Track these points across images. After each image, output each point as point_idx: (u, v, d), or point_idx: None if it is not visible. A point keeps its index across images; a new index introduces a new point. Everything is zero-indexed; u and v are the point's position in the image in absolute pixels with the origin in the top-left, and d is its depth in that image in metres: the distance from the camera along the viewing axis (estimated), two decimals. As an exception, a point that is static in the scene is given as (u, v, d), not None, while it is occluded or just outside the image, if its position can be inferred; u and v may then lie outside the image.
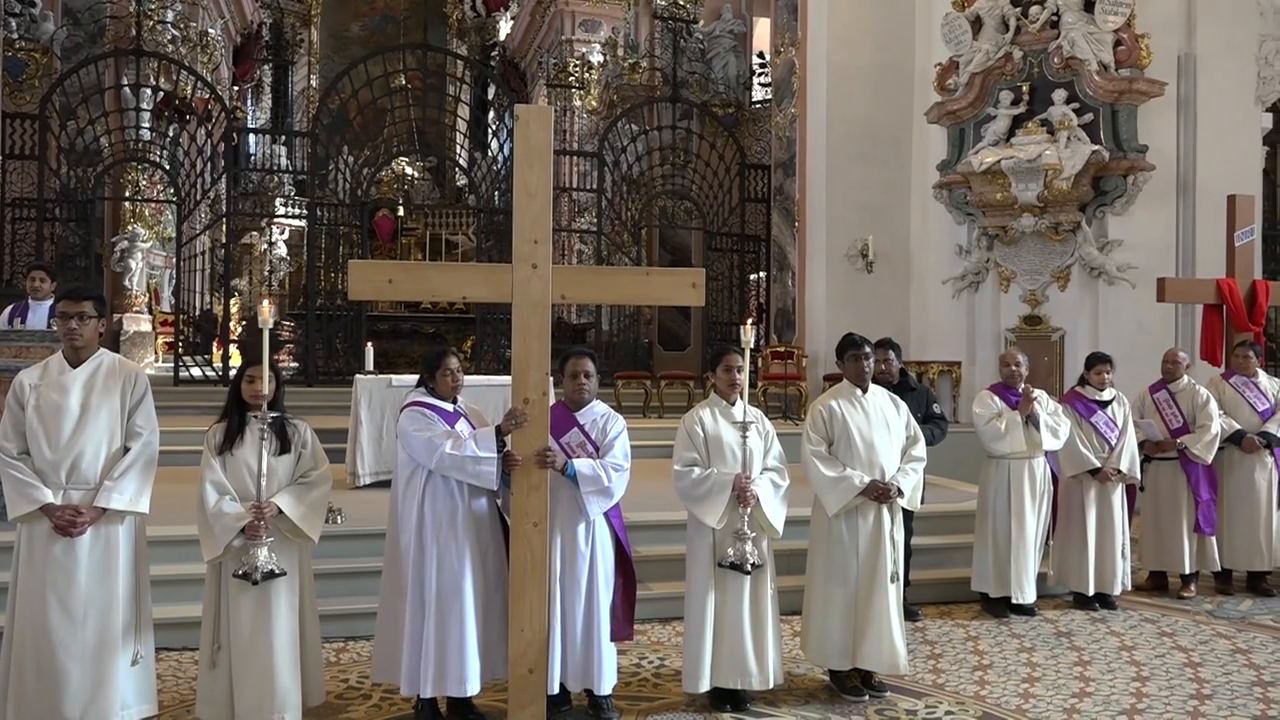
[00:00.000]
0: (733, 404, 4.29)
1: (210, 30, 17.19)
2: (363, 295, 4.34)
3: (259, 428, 3.63)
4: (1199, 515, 6.20)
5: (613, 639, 4.04)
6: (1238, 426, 6.35)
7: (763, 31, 15.50)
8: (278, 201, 20.82)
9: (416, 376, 4.22)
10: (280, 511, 3.68)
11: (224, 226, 14.87)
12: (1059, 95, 8.81)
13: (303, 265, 16.08)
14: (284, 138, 22.38)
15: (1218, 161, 8.92)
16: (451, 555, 3.87)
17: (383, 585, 4.08)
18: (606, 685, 4.02)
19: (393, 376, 7.69)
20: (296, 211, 19.87)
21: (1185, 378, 6.41)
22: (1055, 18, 8.95)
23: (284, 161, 20.16)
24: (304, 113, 24.23)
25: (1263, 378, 6.58)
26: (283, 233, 21.95)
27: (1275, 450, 6.38)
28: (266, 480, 3.64)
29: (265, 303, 3.65)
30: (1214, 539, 6.27)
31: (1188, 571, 6.22)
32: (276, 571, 3.61)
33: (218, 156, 12.81)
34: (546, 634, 3.87)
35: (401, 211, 19.46)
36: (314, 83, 24.94)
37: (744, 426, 4.13)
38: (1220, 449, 6.27)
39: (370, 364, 8.57)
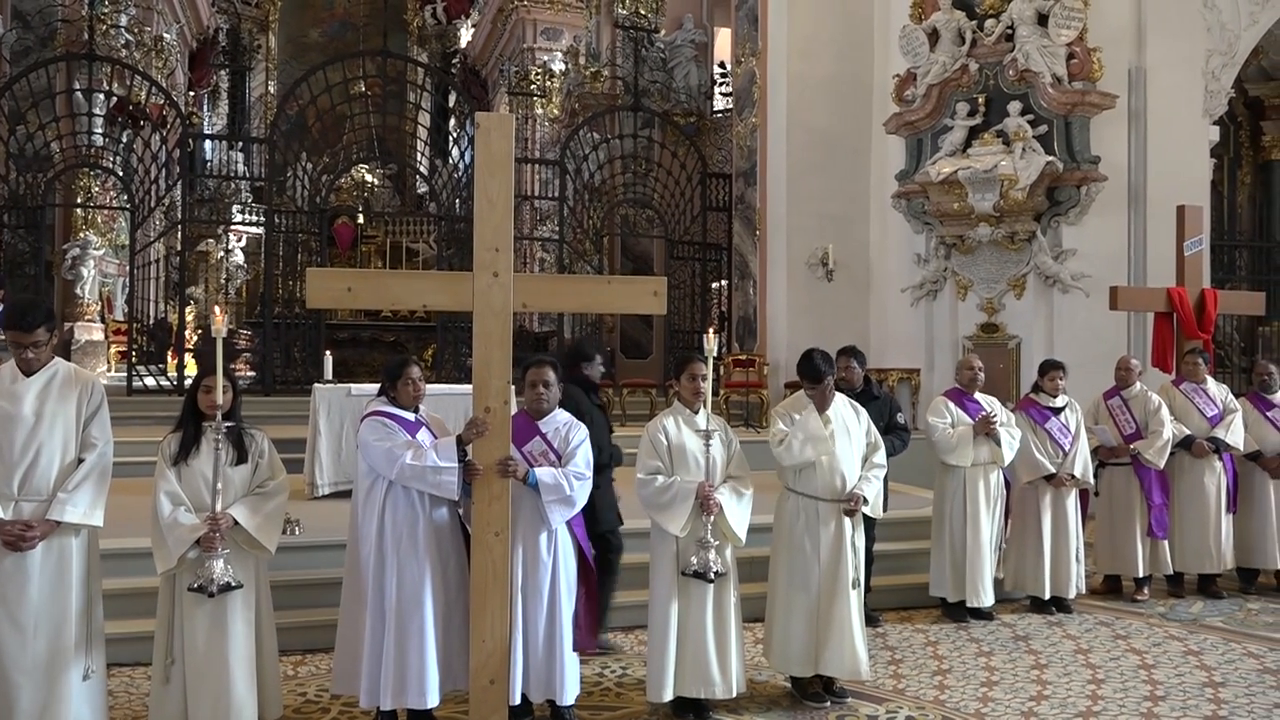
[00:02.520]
0: (696, 412, 4.30)
1: (165, 35, 16.93)
2: (321, 303, 4.30)
3: (214, 438, 3.57)
4: (1152, 519, 6.31)
5: (575, 649, 4.02)
6: (1188, 432, 6.48)
7: (724, 41, 15.59)
8: (235, 208, 20.55)
9: (377, 386, 4.18)
10: (236, 523, 3.62)
11: (179, 233, 14.62)
12: (1014, 107, 8.96)
13: (260, 273, 15.88)
14: (241, 144, 22.11)
15: (1167, 173, 9.11)
16: (412, 566, 3.84)
17: (343, 597, 4.03)
18: (569, 695, 3.99)
19: (352, 385, 7.62)
20: (254, 219, 19.63)
21: (1137, 384, 6.53)
22: (1010, 31, 9.09)
23: (241, 168, 19.91)
24: (261, 119, 23.98)
25: (1211, 384, 6.72)
26: (240, 240, 21.68)
27: (1224, 455, 6.51)
28: (222, 491, 3.59)
29: (218, 311, 3.60)
30: (1166, 543, 6.39)
31: (1141, 575, 6.33)
32: (233, 584, 3.56)
33: (173, 163, 12.62)
34: (508, 644, 3.85)
35: (361, 219, 19.29)
36: (272, 89, 24.69)
37: (707, 435, 4.14)
38: (1171, 454, 6.39)
39: (329, 373, 8.46)
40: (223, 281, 20.24)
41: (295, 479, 5.01)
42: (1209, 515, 6.44)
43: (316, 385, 7.59)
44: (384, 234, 20.49)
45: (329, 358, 8.76)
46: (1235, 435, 6.47)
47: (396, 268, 18.90)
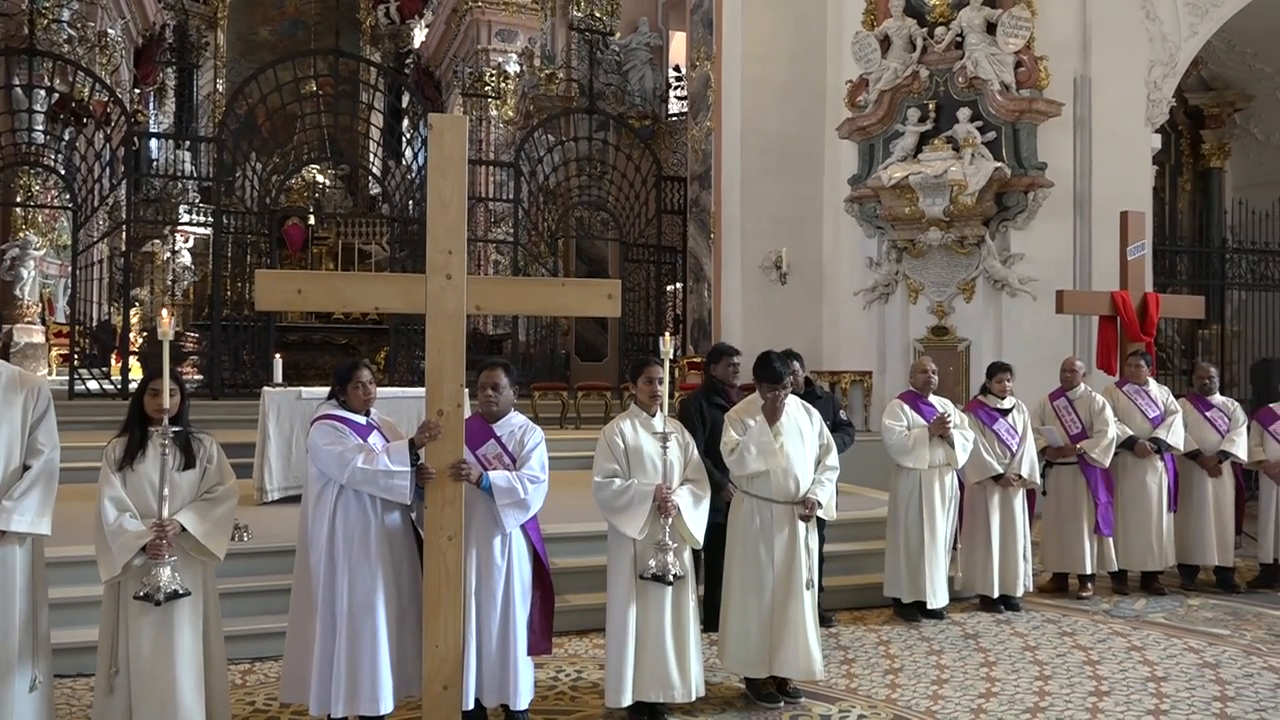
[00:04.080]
0: (653, 415, 4.31)
1: (110, 31, 16.60)
2: (271, 305, 4.24)
3: (161, 442, 3.50)
4: (1098, 517, 6.44)
5: (530, 653, 4.00)
6: (1130, 432, 6.63)
7: (679, 45, 15.65)
8: (182, 208, 20.18)
9: (327, 389, 4.13)
10: (183, 529, 3.55)
11: (123, 234, 14.33)
12: (964, 113, 9.10)
13: (208, 274, 15.62)
14: (188, 143, 21.72)
15: (1111, 179, 9.31)
16: (364, 572, 3.79)
17: (292, 603, 3.97)
18: (523, 700, 3.97)
19: (302, 389, 7.51)
20: (201, 219, 19.31)
21: (1082, 385, 6.66)
22: (960, 39, 9.24)
23: (188, 167, 19.55)
24: (210, 117, 23.60)
25: (1153, 386, 6.88)
26: (187, 241, 21.31)
27: (1165, 455, 6.67)
28: (169, 496, 3.51)
29: (165, 313, 3.53)
30: (1111, 540, 6.53)
31: (1089, 572, 6.45)
32: (180, 591, 3.48)
33: (117, 161, 12.34)
34: (461, 649, 3.82)
35: (312, 220, 19.05)
36: (220, 87, 24.31)
37: (664, 437, 4.14)
38: (1115, 454, 6.53)
39: (279, 376, 8.33)
40: (169, 283, 19.85)
41: (244, 484, 4.93)
42: (1151, 514, 6.58)
43: (266, 389, 7.47)
44: (335, 235, 20.25)
45: (279, 361, 8.62)
46: (1176, 436, 6.63)
47: (348, 270, 18.69)
